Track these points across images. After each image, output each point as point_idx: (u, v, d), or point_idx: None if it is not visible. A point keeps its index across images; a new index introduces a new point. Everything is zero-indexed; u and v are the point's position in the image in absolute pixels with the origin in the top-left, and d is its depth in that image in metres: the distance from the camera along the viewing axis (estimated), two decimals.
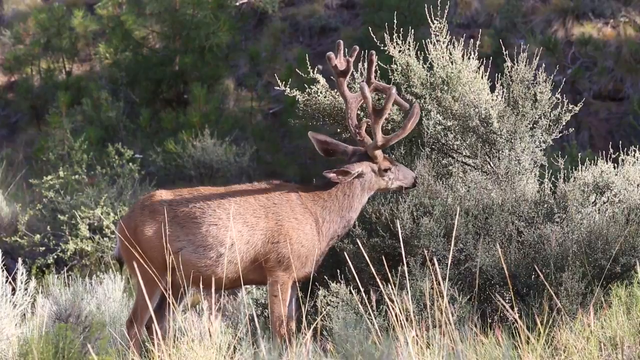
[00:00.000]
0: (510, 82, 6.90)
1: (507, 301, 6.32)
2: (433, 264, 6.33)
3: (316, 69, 7.04)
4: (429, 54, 6.95)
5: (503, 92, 6.91)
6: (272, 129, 16.00)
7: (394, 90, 6.29)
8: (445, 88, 6.90)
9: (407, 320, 5.65)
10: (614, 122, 15.77)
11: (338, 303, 6.33)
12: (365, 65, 6.91)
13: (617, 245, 6.32)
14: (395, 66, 6.99)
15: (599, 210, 6.67)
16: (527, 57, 6.87)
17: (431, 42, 6.93)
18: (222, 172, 14.38)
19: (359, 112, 6.56)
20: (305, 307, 6.44)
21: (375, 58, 6.45)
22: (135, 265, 6.26)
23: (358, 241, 6.43)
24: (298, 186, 6.51)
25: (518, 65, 6.89)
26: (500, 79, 6.94)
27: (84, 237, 10.68)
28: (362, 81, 6.55)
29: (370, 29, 7.48)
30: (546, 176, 6.80)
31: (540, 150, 6.89)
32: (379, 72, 6.69)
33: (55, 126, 14.87)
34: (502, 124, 6.80)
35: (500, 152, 6.81)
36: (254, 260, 6.36)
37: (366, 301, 6.05)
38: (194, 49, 15.50)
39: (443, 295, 5.73)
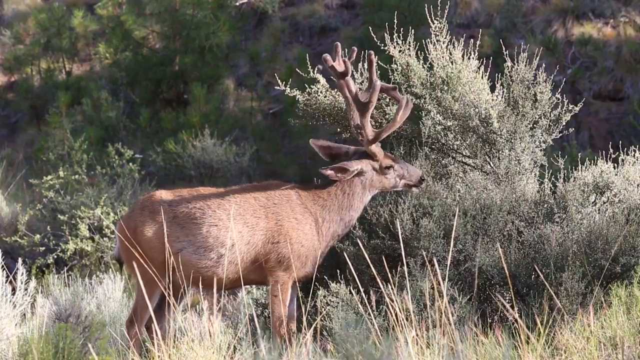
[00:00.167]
0: (510, 82, 6.90)
1: (507, 301, 6.32)
2: (433, 265, 6.33)
3: (316, 69, 7.04)
4: (429, 54, 6.95)
5: (503, 92, 6.91)
6: (272, 129, 16.00)
7: (378, 83, 6.28)
8: (445, 88, 6.90)
9: (407, 320, 5.65)
10: (614, 122, 15.77)
11: (338, 303, 6.33)
12: (366, 64, 6.92)
13: (617, 245, 6.32)
14: (395, 66, 6.99)
15: (599, 210, 6.67)
16: (527, 57, 6.87)
17: (431, 42, 6.93)
18: (222, 172, 14.38)
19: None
20: (305, 307, 6.44)
21: (374, 58, 6.44)
22: (135, 266, 6.26)
23: (359, 242, 6.43)
24: (297, 186, 6.50)
25: (518, 65, 6.88)
26: (500, 79, 6.94)
27: (84, 237, 10.68)
28: (362, 81, 6.55)
29: (370, 29, 7.48)
30: (546, 176, 6.80)
31: (540, 150, 6.89)
32: (379, 72, 6.69)
33: (55, 126, 14.87)
34: (502, 124, 6.80)
35: (500, 152, 6.81)
36: (254, 261, 6.36)
37: (366, 301, 6.05)
38: (194, 49, 15.50)
39: (443, 295, 5.73)
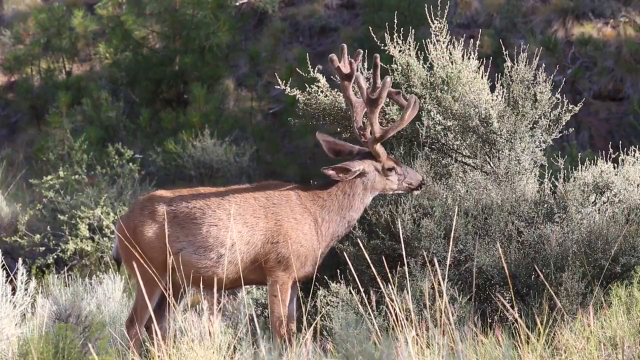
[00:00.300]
0: (510, 82, 6.90)
1: (507, 301, 6.32)
2: (433, 265, 6.33)
3: (316, 69, 7.04)
4: (429, 54, 6.95)
5: (503, 92, 6.91)
6: (272, 129, 15.99)
7: (388, 79, 6.25)
8: (445, 88, 6.90)
9: (407, 320, 5.65)
10: (614, 122, 15.76)
11: (338, 303, 6.33)
12: (366, 65, 6.92)
13: (617, 245, 6.32)
14: (396, 66, 6.98)
15: (599, 210, 6.67)
16: (527, 57, 6.87)
17: (431, 42, 6.92)
18: (222, 172, 14.37)
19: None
20: (305, 307, 6.44)
21: (379, 62, 6.40)
22: (135, 265, 6.26)
23: (359, 242, 6.43)
24: (298, 186, 6.50)
25: (518, 65, 6.88)
26: (500, 79, 6.94)
27: (83, 237, 10.68)
28: (367, 79, 6.53)
29: (370, 29, 7.48)
30: (546, 176, 6.80)
31: (540, 150, 6.89)
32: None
33: (55, 126, 14.87)
34: (502, 124, 6.80)
35: (500, 152, 6.81)
36: (254, 261, 6.36)
37: (366, 301, 6.05)
38: (194, 49, 15.50)
39: (443, 295, 5.73)
